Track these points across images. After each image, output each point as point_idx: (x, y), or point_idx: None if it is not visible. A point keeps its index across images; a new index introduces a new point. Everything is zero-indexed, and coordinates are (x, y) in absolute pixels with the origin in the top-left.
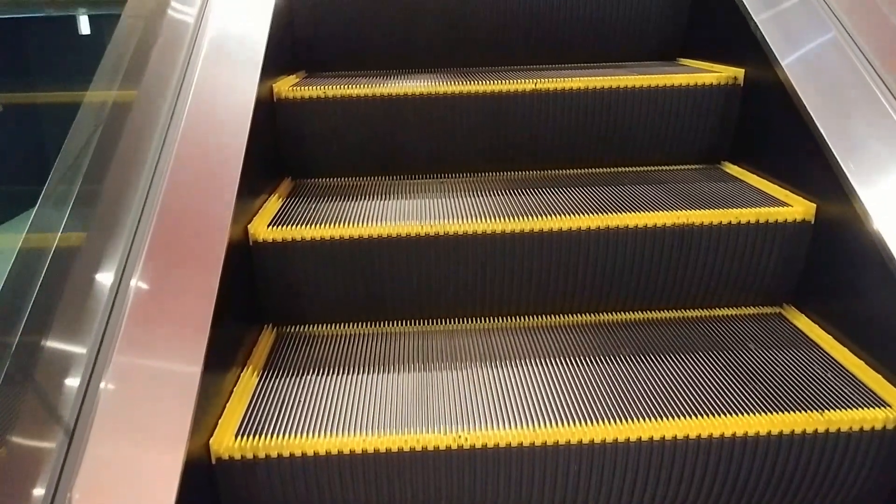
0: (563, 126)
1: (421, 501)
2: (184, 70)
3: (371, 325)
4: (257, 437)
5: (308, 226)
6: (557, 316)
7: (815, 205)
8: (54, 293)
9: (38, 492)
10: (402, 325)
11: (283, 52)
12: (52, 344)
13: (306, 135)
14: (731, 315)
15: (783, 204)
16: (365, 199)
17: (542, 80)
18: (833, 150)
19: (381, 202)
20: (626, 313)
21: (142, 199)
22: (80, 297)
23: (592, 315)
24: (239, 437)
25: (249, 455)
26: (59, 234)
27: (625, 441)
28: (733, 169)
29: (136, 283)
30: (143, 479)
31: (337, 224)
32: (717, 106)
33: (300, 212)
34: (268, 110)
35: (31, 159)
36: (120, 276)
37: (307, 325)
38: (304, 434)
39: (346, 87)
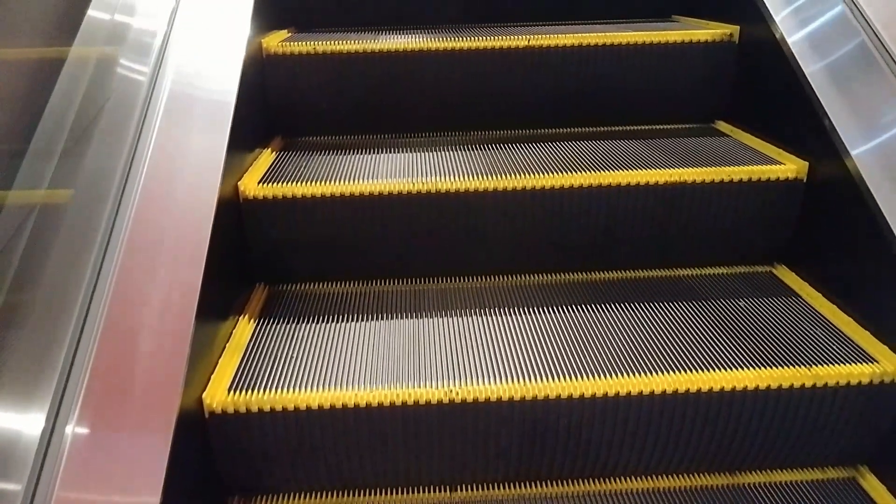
0: (557, 83)
1: (413, 455)
2: (170, 23)
3: (363, 284)
4: (250, 391)
5: (299, 183)
6: (548, 275)
7: (807, 163)
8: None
9: (34, 431)
10: (394, 283)
11: (273, 6)
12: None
13: (296, 91)
14: (722, 274)
15: (776, 162)
16: (356, 156)
17: (536, 36)
18: (826, 108)
19: (373, 160)
20: (616, 272)
21: (130, 151)
22: (73, 243)
23: (582, 273)
24: (231, 392)
25: (242, 409)
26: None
27: (614, 395)
28: (726, 127)
29: (128, 234)
30: (136, 432)
31: (328, 181)
32: (711, 63)
33: (291, 169)
34: (257, 66)
35: None
36: (111, 225)
37: (299, 284)
38: (297, 388)
39: (336, 42)
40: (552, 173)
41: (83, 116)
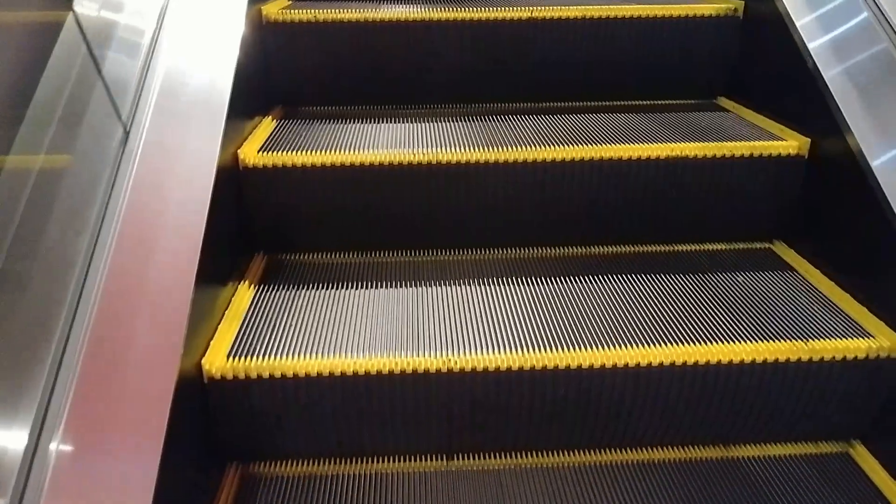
0: (558, 56)
1: (412, 423)
2: None
3: (363, 255)
4: (249, 357)
5: (299, 152)
6: (547, 248)
7: (809, 140)
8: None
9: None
10: (393, 254)
11: None
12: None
13: (297, 60)
14: (721, 249)
15: (778, 138)
16: (357, 125)
17: (538, 8)
18: (830, 84)
19: (373, 129)
20: (617, 246)
21: (129, 118)
22: (69, 212)
23: (582, 248)
24: (231, 358)
25: (241, 375)
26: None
27: (611, 367)
28: (729, 103)
29: (126, 202)
30: (135, 396)
31: (328, 151)
32: (715, 38)
33: (291, 137)
34: (257, 33)
35: None
36: (109, 193)
37: (298, 254)
38: (296, 355)
39: (337, 11)
40: (553, 146)
41: (79, 82)
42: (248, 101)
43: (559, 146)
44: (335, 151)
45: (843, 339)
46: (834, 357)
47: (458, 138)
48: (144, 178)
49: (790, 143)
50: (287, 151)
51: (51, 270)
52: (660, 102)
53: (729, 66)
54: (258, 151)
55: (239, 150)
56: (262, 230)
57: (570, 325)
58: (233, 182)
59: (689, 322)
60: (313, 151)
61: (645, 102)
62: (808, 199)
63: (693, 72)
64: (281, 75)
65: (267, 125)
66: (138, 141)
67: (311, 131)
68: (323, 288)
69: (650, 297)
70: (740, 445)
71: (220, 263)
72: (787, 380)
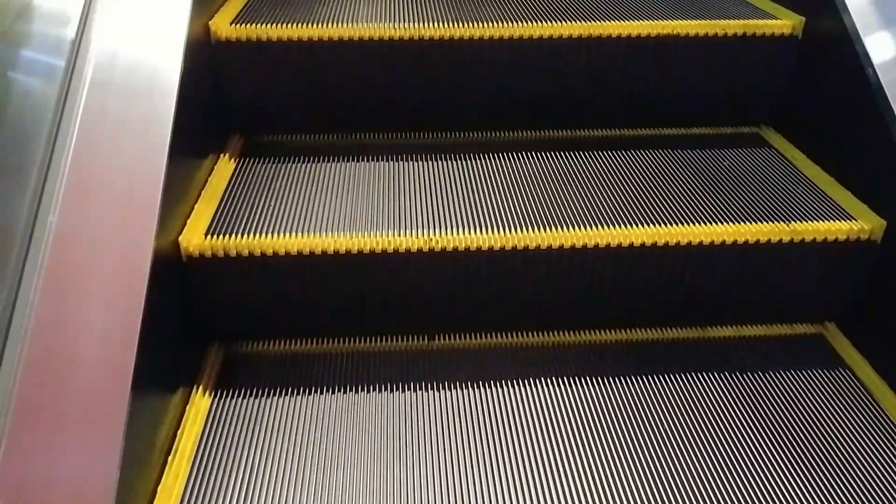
0: None
1: (392, 303)
2: None
3: (342, 137)
4: (228, 235)
5: (275, 24)
6: (531, 131)
7: (803, 19)
8: None
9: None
10: (374, 136)
11: None
12: None
13: None
14: (708, 133)
15: (772, 17)
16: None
17: None
18: None
19: (355, 2)
20: (601, 129)
21: None
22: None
23: (567, 131)
24: (209, 236)
25: (220, 253)
26: None
27: (593, 247)
28: None
29: (90, 75)
30: (111, 271)
31: (306, 24)
32: None
33: (267, 10)
34: None
35: None
36: (71, 67)
37: (276, 134)
38: (276, 234)
39: None
40: (538, 22)
41: None
42: None
43: (544, 23)
44: (314, 25)
45: (826, 221)
46: (815, 239)
47: (441, 13)
48: (107, 49)
49: (784, 23)
50: (262, 24)
51: (14, 145)
52: None
53: None
54: (231, 24)
55: (210, 22)
56: (238, 109)
57: (552, 206)
58: (204, 56)
59: (672, 203)
60: (290, 24)
61: None
62: (798, 81)
63: None
64: None
65: None
66: (99, 12)
67: (288, 3)
68: (302, 168)
69: (634, 179)
70: (717, 326)
71: (195, 141)
72: (768, 261)
